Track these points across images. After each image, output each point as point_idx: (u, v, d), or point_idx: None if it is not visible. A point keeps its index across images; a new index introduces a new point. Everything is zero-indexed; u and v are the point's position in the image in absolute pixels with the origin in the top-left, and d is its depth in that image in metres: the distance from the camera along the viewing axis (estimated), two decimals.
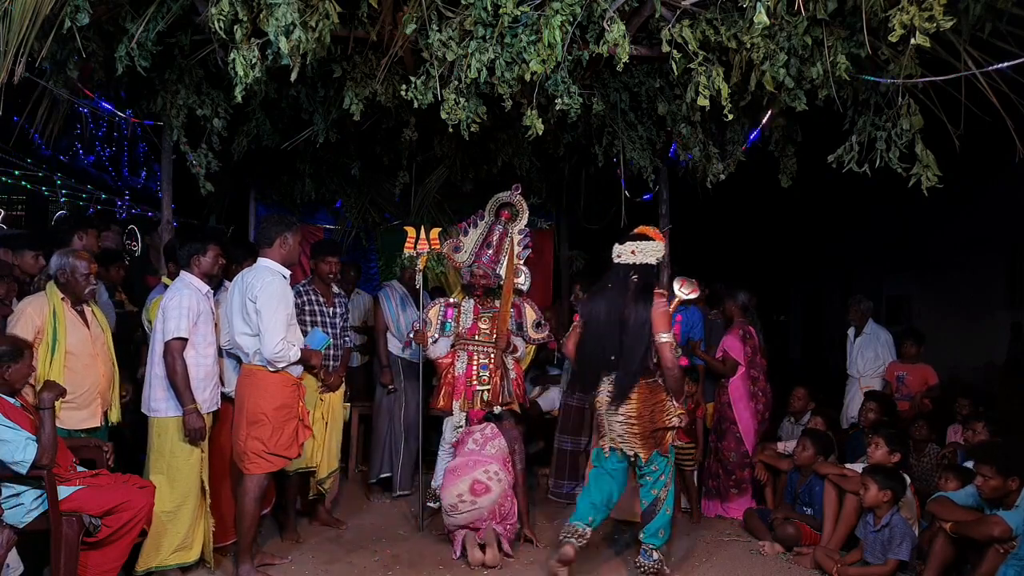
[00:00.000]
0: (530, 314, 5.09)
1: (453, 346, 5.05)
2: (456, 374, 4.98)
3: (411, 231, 4.91)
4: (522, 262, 5.08)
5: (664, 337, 3.81)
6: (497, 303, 5.03)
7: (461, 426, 4.91)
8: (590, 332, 4.02)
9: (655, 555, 3.98)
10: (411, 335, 5.11)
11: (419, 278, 4.96)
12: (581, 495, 4.10)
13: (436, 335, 4.99)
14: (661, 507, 3.96)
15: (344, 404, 4.97)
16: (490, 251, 5.00)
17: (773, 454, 5.16)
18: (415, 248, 4.88)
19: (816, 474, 4.60)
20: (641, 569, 3.99)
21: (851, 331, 6.31)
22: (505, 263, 5.00)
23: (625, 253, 3.96)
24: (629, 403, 3.87)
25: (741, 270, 8.46)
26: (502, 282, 4.98)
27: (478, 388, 4.94)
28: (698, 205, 5.86)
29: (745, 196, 7.03)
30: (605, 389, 3.97)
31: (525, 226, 5.15)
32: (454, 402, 4.94)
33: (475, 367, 4.95)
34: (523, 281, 5.07)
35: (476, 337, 4.99)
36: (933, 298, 9.88)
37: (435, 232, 4.94)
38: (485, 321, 5.00)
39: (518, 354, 5.11)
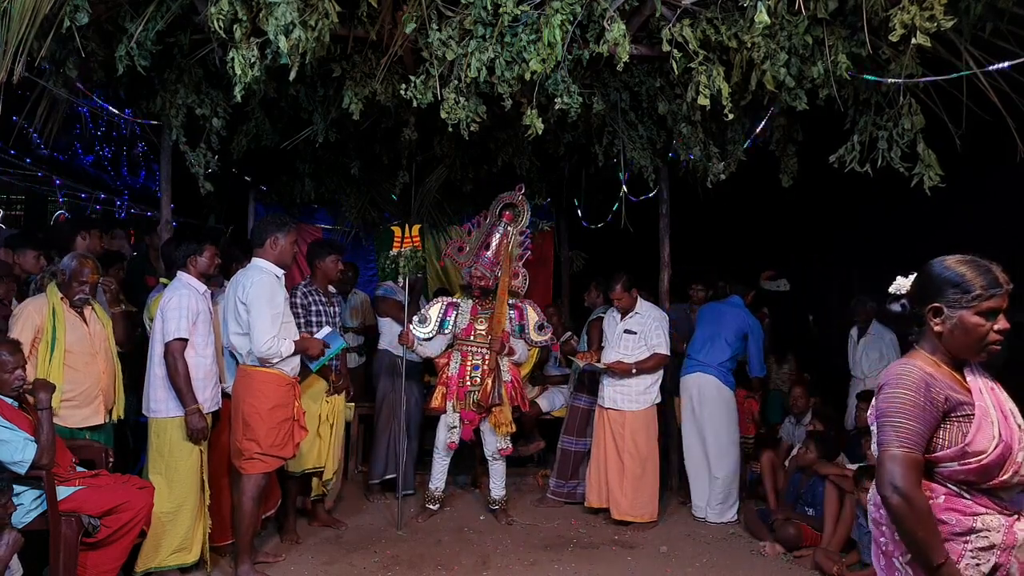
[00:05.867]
0: (532, 316, 5.04)
1: (451, 346, 5.03)
2: (450, 374, 4.96)
3: (397, 230, 4.92)
4: (521, 263, 5.06)
5: None
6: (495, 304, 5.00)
7: (455, 427, 4.90)
8: None
9: None
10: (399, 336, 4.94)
11: (402, 278, 4.92)
12: None
13: (432, 332, 4.97)
14: None
15: (348, 404, 4.96)
16: (489, 253, 4.98)
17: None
18: (402, 246, 4.87)
19: (818, 475, 4.59)
20: None
21: (854, 331, 6.25)
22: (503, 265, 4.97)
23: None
24: None
25: (741, 270, 8.44)
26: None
27: (470, 388, 4.90)
28: (698, 205, 5.85)
29: (746, 196, 7.00)
30: None
31: (526, 227, 5.13)
32: (448, 402, 4.92)
33: (468, 368, 4.92)
34: (520, 283, 5.05)
35: (471, 338, 4.96)
36: None
37: (415, 229, 4.93)
38: (482, 322, 4.97)
39: (515, 357, 5.05)
